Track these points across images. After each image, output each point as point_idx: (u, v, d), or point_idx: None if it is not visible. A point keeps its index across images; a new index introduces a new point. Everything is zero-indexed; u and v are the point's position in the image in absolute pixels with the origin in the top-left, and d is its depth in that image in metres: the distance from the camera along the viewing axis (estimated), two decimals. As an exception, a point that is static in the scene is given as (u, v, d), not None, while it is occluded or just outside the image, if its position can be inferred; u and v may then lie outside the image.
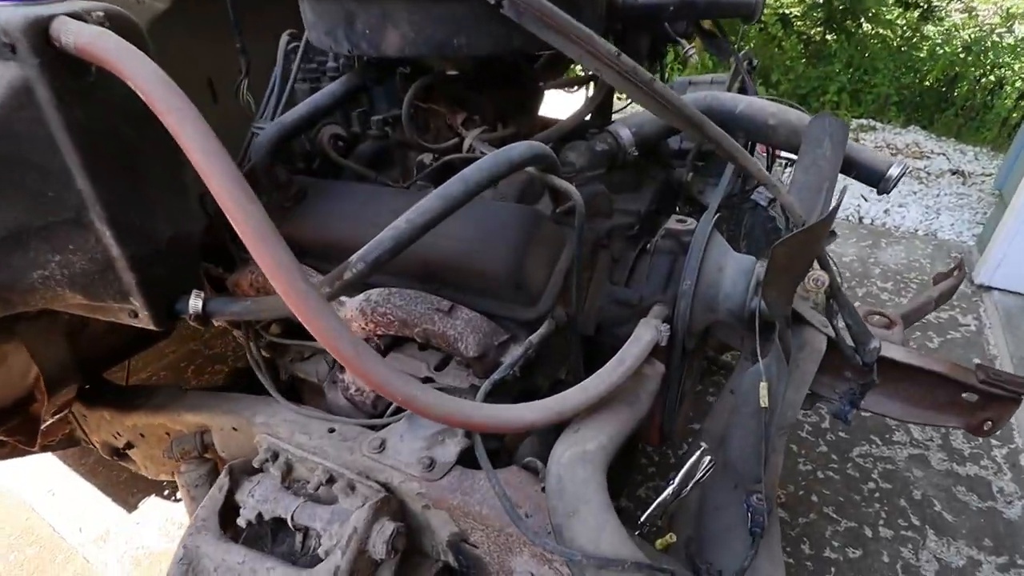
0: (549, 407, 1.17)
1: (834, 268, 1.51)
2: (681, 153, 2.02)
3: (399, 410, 1.56)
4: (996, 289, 4.35)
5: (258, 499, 1.30)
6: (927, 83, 8.10)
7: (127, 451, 1.97)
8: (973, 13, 9.56)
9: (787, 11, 9.21)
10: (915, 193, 6.06)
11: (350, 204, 1.53)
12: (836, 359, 1.64)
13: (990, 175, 6.29)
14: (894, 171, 1.79)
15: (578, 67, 1.93)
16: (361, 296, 1.44)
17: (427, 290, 1.44)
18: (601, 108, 1.89)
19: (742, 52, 1.79)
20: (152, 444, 1.88)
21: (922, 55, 8.42)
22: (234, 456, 1.76)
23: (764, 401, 1.40)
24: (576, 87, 2.02)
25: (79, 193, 1.08)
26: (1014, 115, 7.34)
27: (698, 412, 3.14)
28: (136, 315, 1.31)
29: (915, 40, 8.82)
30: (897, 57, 8.35)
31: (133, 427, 1.91)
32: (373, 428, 1.56)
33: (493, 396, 1.24)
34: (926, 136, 7.50)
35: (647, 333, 1.37)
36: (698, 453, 1.30)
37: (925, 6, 8.75)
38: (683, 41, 1.87)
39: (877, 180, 1.79)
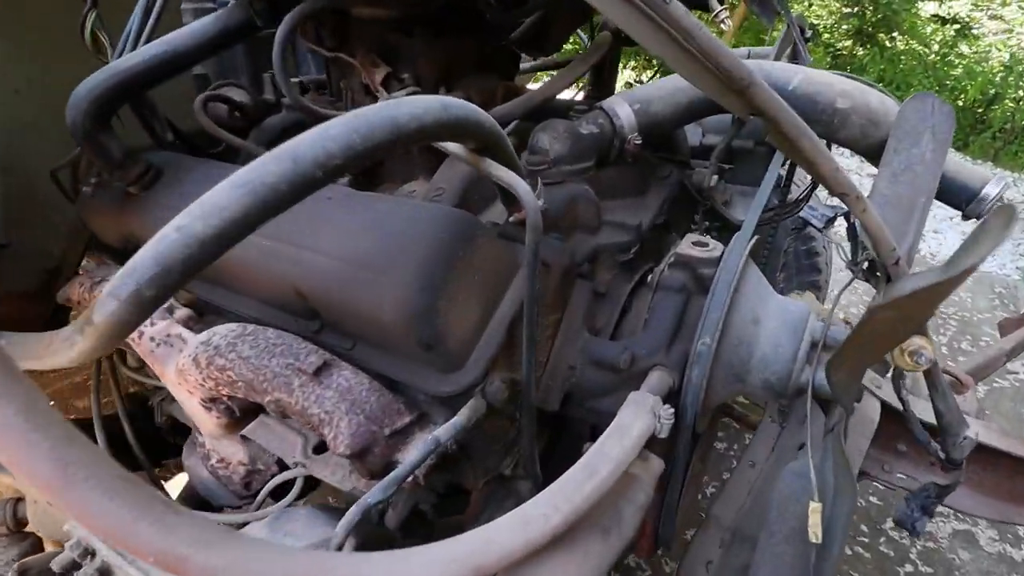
0: (458, 560, 0.66)
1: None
2: (704, 151, 1.51)
3: (282, 493, 1.06)
4: (1052, 333, 3.80)
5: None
6: (962, 103, 7.55)
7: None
8: (1013, 32, 9.01)
9: (815, 21, 8.69)
10: (951, 219, 5.53)
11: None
12: (889, 427, 1.14)
13: (1033, 203, 5.75)
14: (990, 189, 1.27)
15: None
16: (203, 335, 0.94)
17: (307, 330, 0.93)
18: (598, 78, 1.38)
19: (795, 15, 1.30)
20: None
21: (957, 72, 7.88)
22: (52, 538, 1.26)
23: (816, 534, 0.89)
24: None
25: None
26: (1057, 140, 6.80)
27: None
28: None
29: (951, 57, 8.28)
30: (932, 74, 7.81)
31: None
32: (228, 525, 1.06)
33: (367, 525, 0.74)
34: (961, 159, 6.95)
35: (638, 420, 0.86)
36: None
37: (961, 25, 8.22)
38: (714, 1, 1.36)
39: (965, 200, 1.27)
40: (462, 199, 1.05)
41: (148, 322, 1.04)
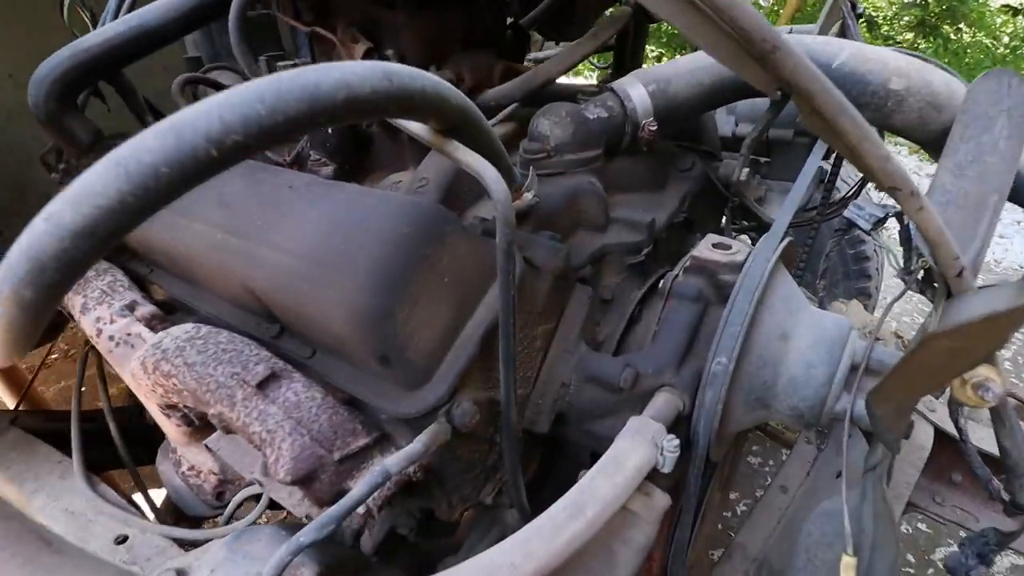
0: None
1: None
2: (737, 142, 1.35)
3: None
4: None
5: None
6: (1036, 98, 6.97)
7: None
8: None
9: (874, 13, 8.21)
10: (1019, 223, 5.10)
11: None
12: (943, 454, 1.00)
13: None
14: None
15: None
16: (157, 337, 0.85)
17: (267, 335, 0.83)
18: (620, 62, 1.24)
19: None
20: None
21: (1031, 66, 7.30)
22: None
23: (848, 591, 0.75)
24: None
25: None
26: None
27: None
28: None
29: (1022, 50, 7.69)
30: (1001, 68, 7.26)
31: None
32: (182, 544, 0.98)
33: (333, 548, 0.63)
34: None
35: (636, 452, 0.73)
36: None
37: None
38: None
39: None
40: (448, 191, 0.93)
41: (108, 319, 0.96)
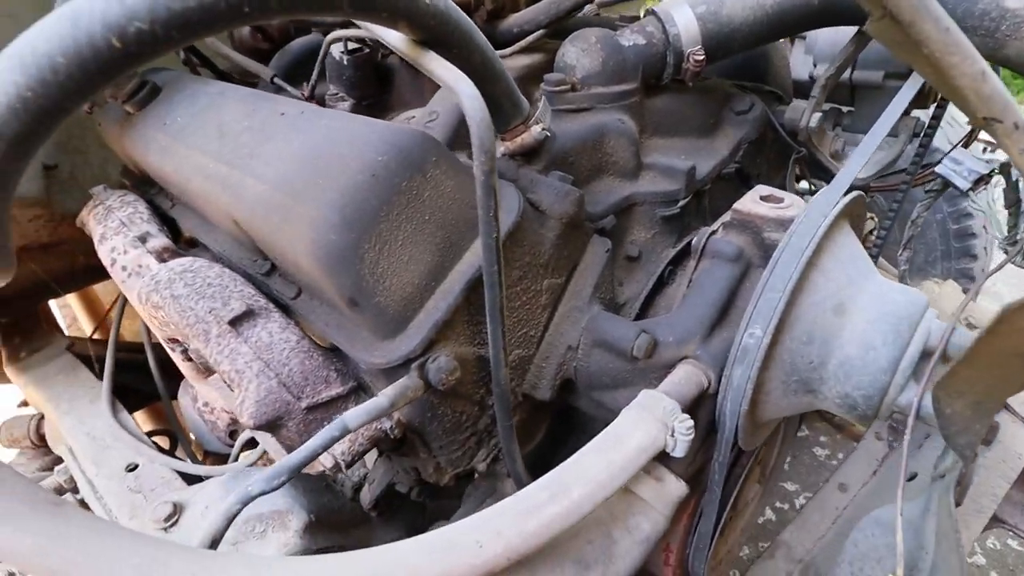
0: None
1: None
2: (809, 84, 1.16)
3: (254, 445, 0.98)
4: None
5: None
6: None
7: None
8: None
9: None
10: None
11: (192, 113, 0.91)
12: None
13: None
14: None
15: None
16: (157, 268, 0.83)
17: (258, 271, 0.79)
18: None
19: None
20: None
21: None
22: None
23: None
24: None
25: None
26: None
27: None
28: None
29: None
30: None
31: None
32: (186, 477, 0.99)
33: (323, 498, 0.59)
34: None
35: (639, 431, 0.64)
36: None
37: None
38: None
39: None
40: (460, 127, 0.84)
41: (122, 250, 0.96)
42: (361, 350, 0.64)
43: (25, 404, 1.61)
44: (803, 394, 0.74)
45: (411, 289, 0.62)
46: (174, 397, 1.44)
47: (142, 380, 1.34)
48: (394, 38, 0.56)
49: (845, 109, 1.20)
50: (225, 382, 0.67)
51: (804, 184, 1.26)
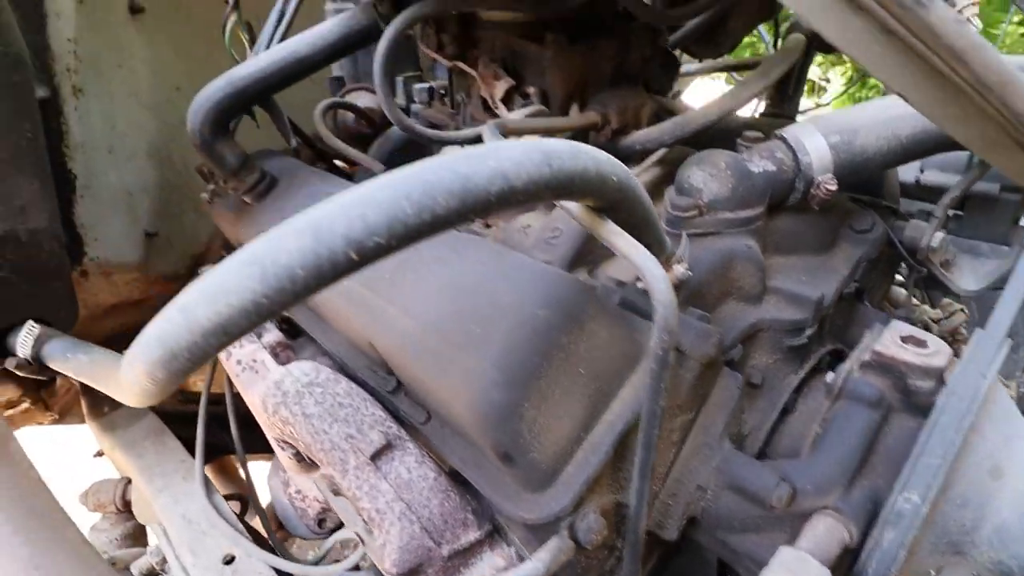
0: None
1: None
2: (920, 192, 1.14)
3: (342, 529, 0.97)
4: None
5: None
6: None
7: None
8: None
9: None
10: None
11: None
12: None
13: None
14: None
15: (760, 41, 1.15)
16: (279, 373, 0.84)
17: (384, 388, 0.79)
18: (781, 90, 1.09)
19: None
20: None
21: None
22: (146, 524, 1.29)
23: None
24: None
25: None
26: None
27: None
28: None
29: None
30: None
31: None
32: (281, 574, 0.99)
33: None
34: None
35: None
36: None
37: None
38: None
39: None
40: (583, 245, 0.84)
41: (237, 344, 0.98)
42: (505, 499, 0.63)
43: (100, 454, 1.64)
44: (952, 555, 0.70)
45: (563, 443, 0.61)
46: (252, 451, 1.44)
47: (214, 432, 1.33)
48: (568, 205, 0.57)
49: (952, 213, 1.17)
50: (362, 518, 0.67)
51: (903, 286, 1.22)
